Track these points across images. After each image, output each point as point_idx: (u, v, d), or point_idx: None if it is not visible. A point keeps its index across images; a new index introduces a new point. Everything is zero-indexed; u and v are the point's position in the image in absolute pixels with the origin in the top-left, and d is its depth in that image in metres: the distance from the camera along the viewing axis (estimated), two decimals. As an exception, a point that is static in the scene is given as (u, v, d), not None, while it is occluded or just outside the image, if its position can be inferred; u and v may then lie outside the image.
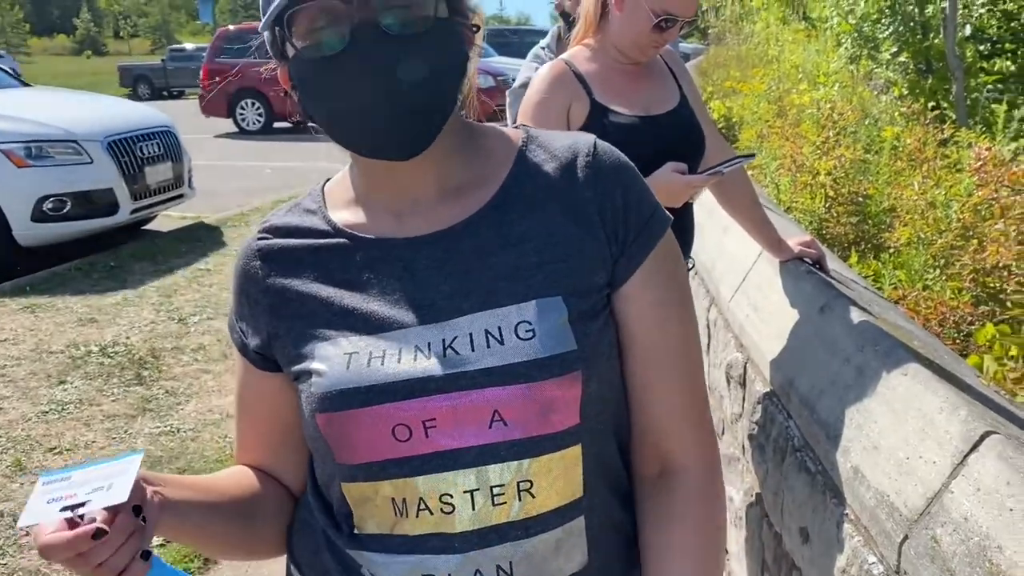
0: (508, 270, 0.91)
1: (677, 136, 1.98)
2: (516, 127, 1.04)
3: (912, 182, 4.21)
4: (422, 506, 0.88)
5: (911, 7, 6.63)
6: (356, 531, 0.95)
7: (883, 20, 6.87)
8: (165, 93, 29.72)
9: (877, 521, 1.39)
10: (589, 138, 0.99)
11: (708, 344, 2.97)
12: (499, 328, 0.88)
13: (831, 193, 4.22)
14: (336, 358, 0.90)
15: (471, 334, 0.88)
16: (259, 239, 1.01)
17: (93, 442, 3.65)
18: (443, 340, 0.89)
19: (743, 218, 2.26)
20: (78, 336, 4.95)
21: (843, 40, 7.83)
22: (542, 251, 0.92)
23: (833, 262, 2.46)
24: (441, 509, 0.88)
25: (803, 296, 2.15)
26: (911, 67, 6.73)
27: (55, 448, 3.59)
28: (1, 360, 4.59)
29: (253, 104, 16.28)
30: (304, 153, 13.27)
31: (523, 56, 4.14)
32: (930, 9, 6.47)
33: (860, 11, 7.11)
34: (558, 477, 0.89)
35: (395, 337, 0.90)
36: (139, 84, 30.11)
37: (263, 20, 0.89)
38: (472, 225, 0.94)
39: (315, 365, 0.92)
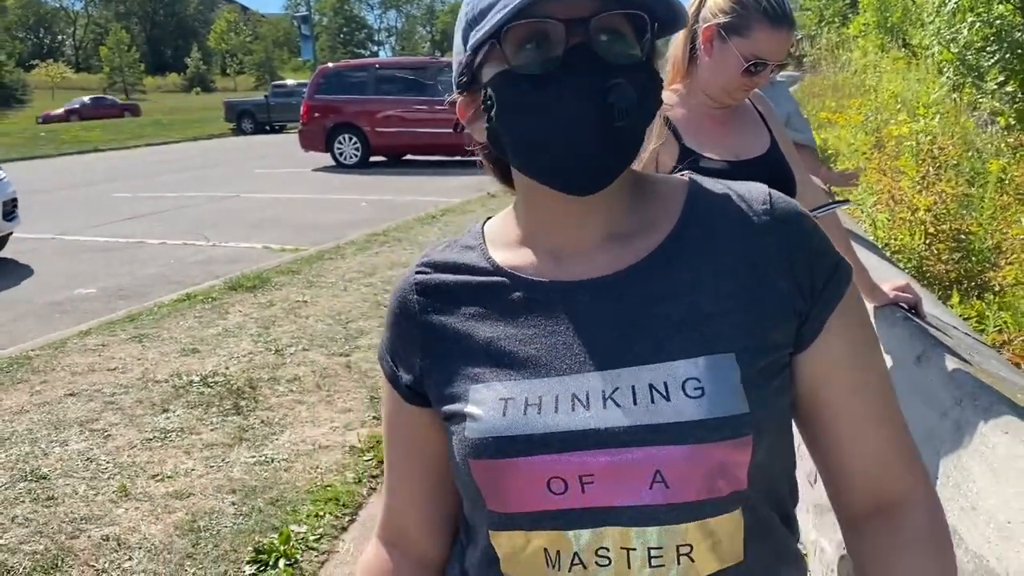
0: (677, 322, 0.86)
1: (767, 181, 1.95)
2: (681, 174, 1.01)
3: (1020, 218, 4.04)
4: (576, 560, 0.85)
5: (1019, 34, 6.39)
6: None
7: (988, 48, 6.64)
8: (267, 128, 30.86)
9: (974, 587, 1.34)
10: (762, 186, 0.95)
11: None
12: (665, 384, 0.83)
13: (931, 230, 4.09)
14: (491, 403, 0.87)
15: (634, 387, 0.84)
16: (418, 273, 0.99)
17: (192, 470, 3.79)
18: (603, 392, 0.84)
19: (835, 262, 2.20)
20: (181, 366, 5.16)
21: (945, 69, 7.59)
22: (715, 303, 0.87)
23: (932, 304, 2.38)
24: (596, 563, 0.84)
25: (898, 344, 2.09)
26: (1019, 96, 6.48)
27: (157, 475, 3.74)
28: (111, 388, 4.82)
29: (350, 139, 16.74)
30: (399, 187, 13.58)
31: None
32: (1039, 36, 6.23)
33: (963, 39, 6.89)
34: (719, 542, 0.84)
35: (552, 384, 0.86)
36: (243, 119, 31.33)
37: (467, 44, 0.89)
38: (639, 273, 0.90)
39: (469, 408, 0.89)
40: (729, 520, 0.84)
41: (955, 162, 5.02)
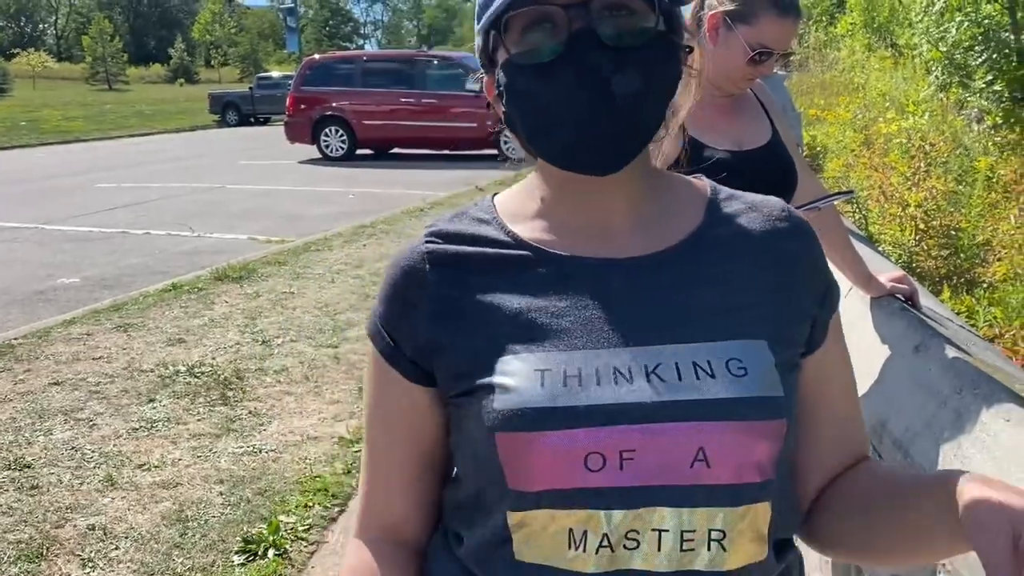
0: (712, 307, 0.87)
1: (770, 171, 1.95)
2: (697, 178, 1.01)
3: (1008, 215, 4.07)
4: (604, 541, 0.82)
5: (1006, 33, 6.43)
6: (517, 559, 0.87)
7: (976, 47, 6.68)
8: (252, 120, 30.65)
9: None
10: (775, 197, 0.99)
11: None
12: (708, 361, 0.83)
13: (921, 225, 4.11)
14: (526, 373, 0.84)
15: (677, 363, 0.83)
16: (427, 242, 0.94)
17: (179, 460, 3.76)
18: (645, 365, 0.83)
19: (833, 253, 2.21)
20: (167, 356, 5.11)
21: (933, 68, 7.63)
22: (746, 294, 0.89)
23: (925, 298, 2.39)
24: (624, 545, 0.82)
25: (896, 334, 2.09)
26: (1006, 95, 6.52)
27: (144, 465, 3.71)
28: (96, 377, 4.77)
29: (337, 131, 16.67)
30: (386, 180, 13.54)
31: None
32: (1027, 36, 6.27)
33: (952, 38, 6.93)
34: (749, 531, 0.84)
35: (590, 357, 0.84)
36: (227, 111, 31.10)
37: (477, 25, 0.88)
38: (671, 258, 0.90)
39: (500, 380, 0.85)
40: (759, 511, 0.84)
41: (944, 159, 5.05)
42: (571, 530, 0.82)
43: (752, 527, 0.84)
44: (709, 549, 0.82)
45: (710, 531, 0.82)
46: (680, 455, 0.81)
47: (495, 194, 1.01)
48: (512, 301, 0.89)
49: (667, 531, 0.81)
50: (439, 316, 0.91)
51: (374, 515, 1.00)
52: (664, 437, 0.81)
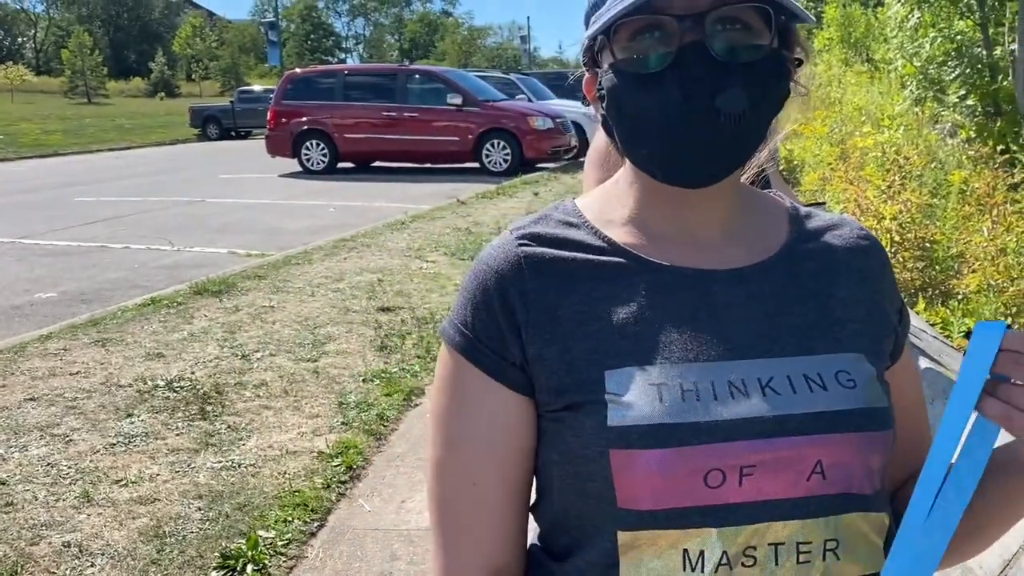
0: (812, 320, 0.87)
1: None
2: (776, 195, 1.01)
3: (981, 227, 4.13)
4: (723, 560, 0.79)
5: (979, 49, 6.53)
6: None
7: (949, 63, 6.78)
8: (233, 133, 30.59)
9: (949, 582, 1.35)
10: (852, 218, 1.00)
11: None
12: (819, 374, 0.83)
13: (897, 238, 4.16)
14: (643, 388, 0.81)
15: (789, 376, 0.82)
16: (521, 245, 0.89)
17: (157, 475, 3.73)
18: (759, 379, 0.82)
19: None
20: (146, 370, 5.08)
21: (908, 83, 7.73)
22: (842, 308, 0.89)
23: (900, 310, 2.42)
24: (742, 563, 0.80)
25: (869, 345, 2.12)
26: (979, 110, 6.62)
27: (121, 480, 3.67)
28: (73, 392, 4.73)
29: (318, 144, 16.66)
30: (367, 193, 13.54)
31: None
32: (999, 51, 6.37)
33: (926, 53, 7.03)
34: (862, 541, 0.83)
35: (704, 371, 0.82)
36: (208, 124, 31.02)
37: (588, 26, 0.87)
38: (767, 271, 0.90)
39: (612, 394, 0.81)
40: (873, 520, 0.84)
41: (919, 173, 5.12)
42: (686, 550, 0.80)
43: (865, 536, 0.83)
44: (824, 559, 0.81)
45: (825, 541, 0.81)
46: (798, 469, 0.80)
47: (574, 197, 0.99)
48: (614, 310, 0.86)
49: (783, 543, 0.80)
50: (539, 325, 0.86)
51: (478, 558, 0.89)
52: (784, 451, 0.80)
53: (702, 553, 0.79)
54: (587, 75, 0.92)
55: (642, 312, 0.86)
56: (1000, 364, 0.75)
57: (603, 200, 0.96)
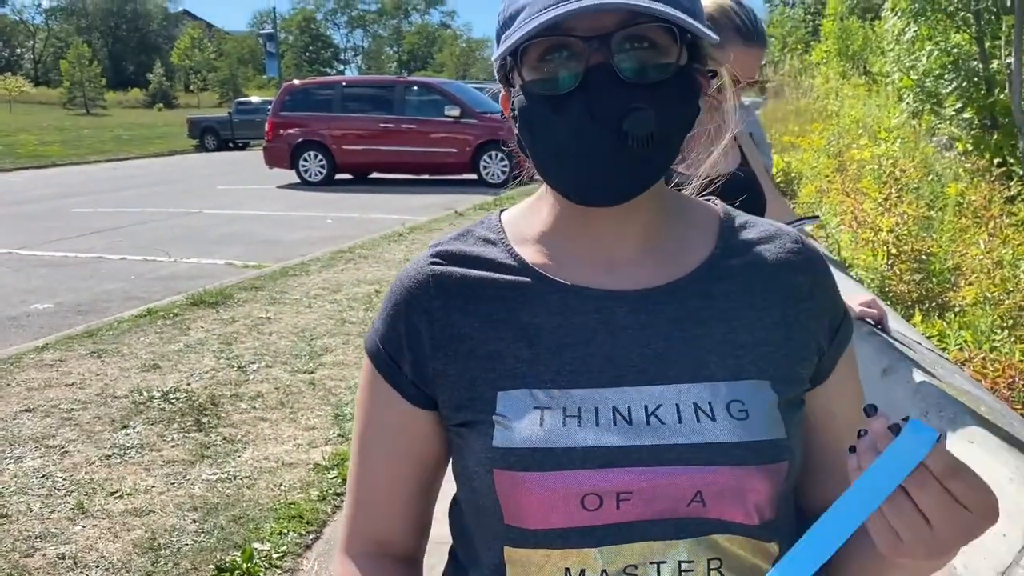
0: (715, 345, 0.86)
1: (738, 197, 1.97)
2: (712, 202, 0.99)
3: (978, 240, 4.14)
4: None
5: (975, 62, 6.56)
6: None
7: (946, 76, 6.81)
8: (231, 144, 30.59)
9: (945, 596, 1.35)
10: (789, 227, 0.97)
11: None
12: (709, 403, 0.82)
13: (893, 250, 4.16)
14: (527, 411, 0.83)
15: (678, 405, 0.82)
16: (432, 263, 0.92)
17: (152, 487, 3.71)
18: (645, 406, 0.82)
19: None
20: (141, 382, 5.07)
21: (905, 95, 7.76)
22: (752, 332, 0.87)
23: (896, 321, 2.42)
24: None
25: (864, 358, 2.11)
26: (976, 123, 6.64)
27: (116, 492, 3.66)
28: (68, 404, 4.72)
29: (316, 156, 16.67)
30: (365, 205, 13.54)
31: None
32: (995, 64, 6.40)
33: (922, 66, 7.06)
34: (748, 567, 0.84)
35: (590, 396, 0.83)
36: (206, 136, 31.02)
37: (499, 45, 0.86)
38: (678, 291, 0.88)
39: (498, 416, 0.84)
40: (757, 547, 0.84)
41: (916, 185, 5.13)
42: (567, 569, 0.82)
43: (749, 563, 0.84)
44: None
45: (708, 560, 0.82)
46: (677, 497, 0.81)
47: (503, 210, 0.99)
48: (514, 332, 0.87)
49: (665, 562, 0.81)
50: (441, 344, 0.89)
51: (365, 529, 0.97)
52: (661, 480, 0.80)
53: (583, 572, 0.81)
54: (503, 92, 0.92)
55: (540, 334, 0.87)
56: (911, 478, 0.68)
57: (525, 216, 0.96)
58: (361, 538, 0.98)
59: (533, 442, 0.81)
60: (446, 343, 0.89)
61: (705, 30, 0.82)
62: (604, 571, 0.81)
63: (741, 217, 0.97)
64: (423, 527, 1.00)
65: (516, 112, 0.87)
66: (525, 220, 0.95)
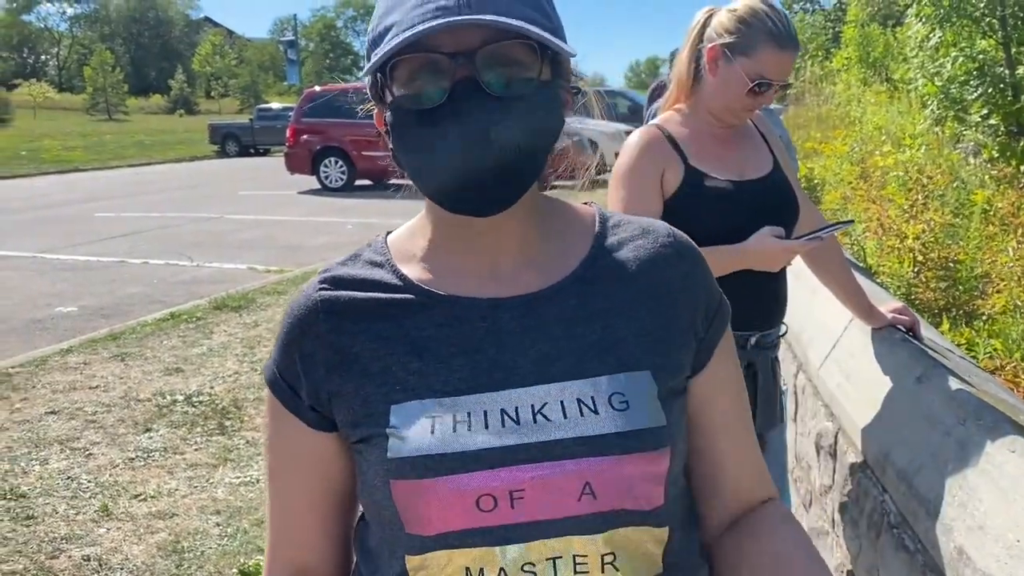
0: (595, 342, 0.90)
1: (772, 201, 1.96)
2: (586, 204, 1.04)
3: (1006, 247, 4.09)
4: (502, 575, 0.85)
5: (1001, 69, 6.50)
6: None
7: (971, 82, 6.75)
8: (252, 150, 30.76)
9: (986, 607, 1.33)
10: (663, 222, 1.01)
11: (796, 412, 2.90)
12: (592, 398, 0.86)
13: (920, 258, 4.12)
14: (417, 421, 0.86)
15: (563, 401, 0.86)
16: (321, 289, 0.95)
17: (176, 490, 3.73)
18: (532, 406, 0.86)
19: (834, 284, 2.21)
20: (165, 385, 5.09)
21: (928, 102, 7.70)
22: (629, 326, 0.92)
23: (925, 330, 2.39)
24: None
25: (898, 365, 2.09)
26: (1002, 129, 6.57)
27: (140, 495, 3.68)
28: (92, 406, 4.75)
29: (336, 162, 16.74)
30: (383, 210, 13.57)
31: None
32: (1021, 71, 6.34)
33: (947, 73, 7.00)
34: (641, 553, 0.87)
35: (479, 400, 0.87)
36: (227, 142, 31.19)
37: (366, 65, 0.89)
38: (557, 293, 0.93)
39: (391, 428, 0.87)
40: (652, 534, 0.88)
41: (941, 192, 5.08)
42: (467, 568, 0.85)
43: (643, 547, 0.87)
44: (603, 571, 0.85)
45: (602, 556, 0.85)
46: (567, 491, 0.84)
47: (389, 232, 1.03)
48: (403, 347, 0.90)
49: (560, 557, 0.84)
50: (334, 365, 0.92)
51: (286, 560, 0.99)
52: (551, 475, 0.84)
53: (482, 571, 0.84)
54: (376, 108, 0.94)
55: (428, 346, 0.90)
56: None
57: (410, 234, 1.00)
58: (284, 566, 0.99)
59: (425, 449, 0.84)
60: (338, 364, 0.91)
61: (564, 46, 0.86)
62: (503, 569, 0.84)
63: (615, 217, 1.01)
64: (345, 552, 1.01)
65: (389, 127, 0.89)
66: (409, 239, 0.99)
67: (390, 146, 0.92)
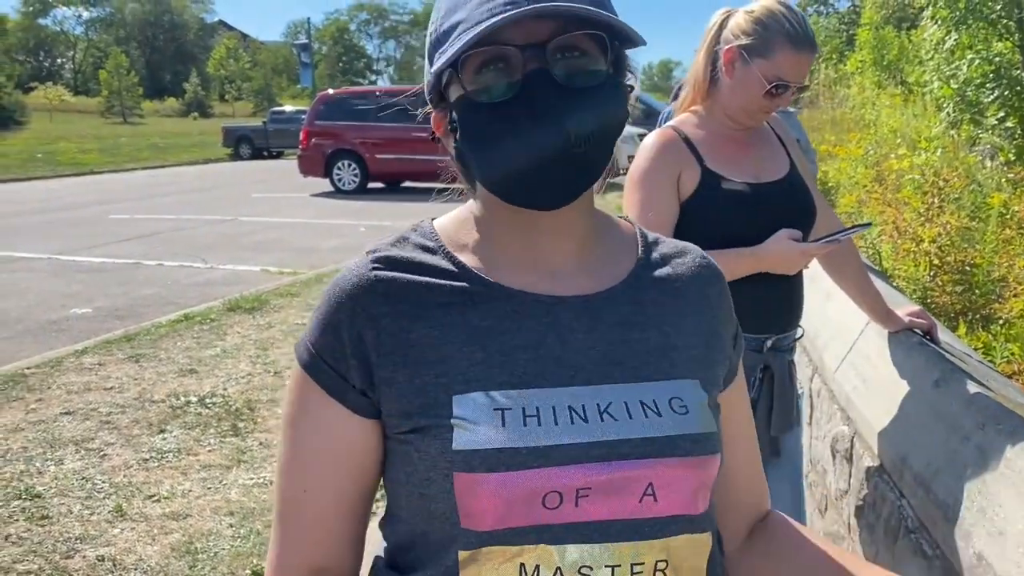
0: (653, 346, 0.92)
1: (789, 204, 1.95)
2: (624, 219, 1.05)
3: (1023, 251, 4.06)
4: (558, 575, 0.83)
5: (1017, 71, 6.45)
6: None
7: (988, 85, 6.70)
8: (265, 153, 30.88)
9: (1007, 613, 1.31)
10: (695, 246, 1.04)
11: (811, 415, 2.88)
12: (654, 400, 0.87)
13: (936, 261, 4.09)
14: (486, 412, 0.84)
15: (626, 403, 0.87)
16: (374, 269, 0.91)
17: (189, 491, 3.74)
18: (597, 404, 0.86)
19: (851, 287, 2.20)
20: (179, 386, 5.11)
21: (944, 105, 7.65)
22: (679, 336, 0.94)
23: (943, 333, 2.37)
24: None
25: (915, 368, 2.07)
26: (1018, 132, 6.53)
27: (154, 496, 3.69)
28: (107, 407, 4.77)
29: (349, 165, 16.79)
30: (397, 213, 13.61)
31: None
32: (1038, 74, 6.29)
33: (963, 75, 6.95)
34: (687, 560, 0.88)
35: (545, 395, 0.85)
36: (241, 144, 31.33)
37: (433, 63, 0.88)
38: (613, 298, 0.93)
39: (458, 418, 0.84)
40: (701, 540, 0.89)
41: (957, 195, 5.05)
42: (523, 564, 0.83)
43: (691, 557, 0.88)
44: None
45: (656, 562, 0.85)
46: (631, 491, 0.84)
47: (433, 219, 1.01)
48: (464, 335, 0.88)
49: (619, 566, 0.84)
50: (388, 350, 0.88)
51: (301, 560, 0.94)
52: (617, 474, 0.84)
53: (538, 568, 0.83)
54: (435, 112, 0.94)
55: (491, 338, 0.88)
56: None
57: (461, 223, 0.98)
58: (298, 564, 0.94)
59: (497, 443, 0.82)
60: (394, 350, 0.88)
61: (635, 33, 0.87)
62: (559, 568, 0.83)
63: (652, 234, 1.03)
64: (361, 548, 0.97)
65: (456, 124, 0.89)
66: (460, 229, 0.97)
67: (451, 147, 0.92)
